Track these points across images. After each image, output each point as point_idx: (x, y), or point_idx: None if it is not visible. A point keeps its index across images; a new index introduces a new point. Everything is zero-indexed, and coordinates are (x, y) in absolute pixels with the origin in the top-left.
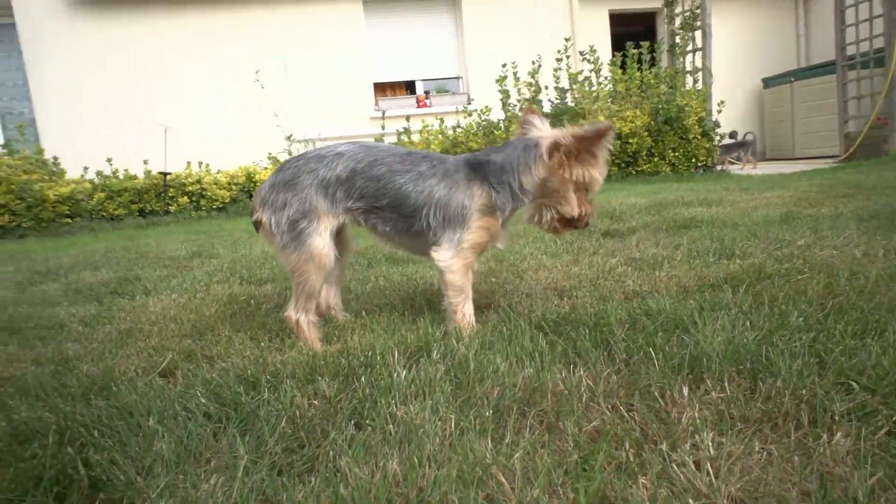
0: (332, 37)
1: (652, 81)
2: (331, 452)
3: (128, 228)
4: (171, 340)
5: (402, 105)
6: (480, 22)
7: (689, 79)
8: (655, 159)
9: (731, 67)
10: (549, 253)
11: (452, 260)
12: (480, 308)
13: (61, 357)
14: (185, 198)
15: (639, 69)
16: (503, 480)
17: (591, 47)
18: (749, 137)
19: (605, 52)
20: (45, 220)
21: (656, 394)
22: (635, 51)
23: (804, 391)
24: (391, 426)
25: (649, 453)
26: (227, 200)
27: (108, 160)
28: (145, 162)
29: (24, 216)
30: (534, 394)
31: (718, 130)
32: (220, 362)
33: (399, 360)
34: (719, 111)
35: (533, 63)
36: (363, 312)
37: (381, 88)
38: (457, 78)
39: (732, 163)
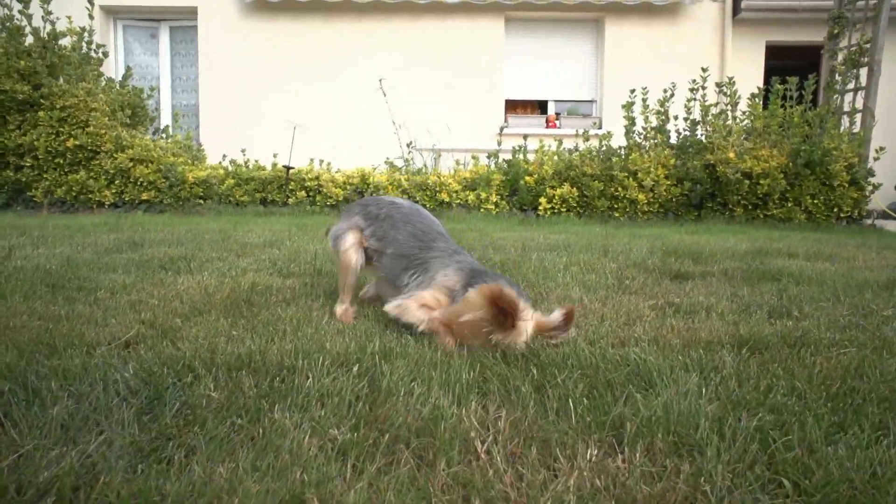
0: (469, 50)
1: (796, 119)
2: (194, 445)
3: (248, 214)
4: (163, 316)
5: (531, 124)
6: (622, 47)
7: (846, 119)
8: (789, 204)
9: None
10: (588, 286)
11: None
12: None
13: (57, 316)
14: (303, 192)
15: (782, 106)
16: None
17: (730, 79)
18: None
19: (752, 85)
20: (182, 198)
21: (557, 451)
22: (780, 87)
23: (722, 480)
24: (260, 430)
25: None
26: (340, 198)
27: (243, 151)
28: (274, 155)
29: (167, 193)
30: (429, 426)
31: (872, 179)
32: (182, 343)
33: (321, 368)
34: (876, 158)
35: (665, 91)
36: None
37: (513, 106)
38: (590, 101)
39: (891, 216)
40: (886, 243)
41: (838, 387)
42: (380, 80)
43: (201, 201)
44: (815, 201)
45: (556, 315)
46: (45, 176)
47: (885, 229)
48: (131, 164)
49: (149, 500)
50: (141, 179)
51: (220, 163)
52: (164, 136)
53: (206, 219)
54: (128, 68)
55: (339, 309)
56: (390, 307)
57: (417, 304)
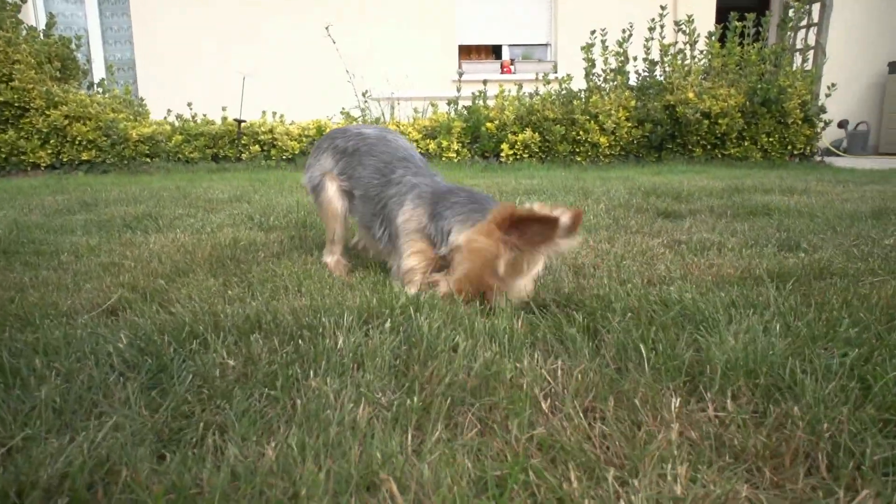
0: None
1: (753, 58)
2: (223, 422)
3: (200, 171)
4: (143, 279)
5: (486, 69)
6: None
7: (798, 57)
8: (746, 143)
9: (851, 48)
10: (587, 226)
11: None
12: None
13: (20, 284)
14: (257, 146)
15: (740, 44)
16: (395, 493)
17: (689, 17)
18: (861, 128)
19: (708, 24)
20: (127, 157)
21: (636, 402)
22: (739, 24)
23: (828, 425)
24: (301, 400)
25: (595, 481)
26: (296, 152)
27: (189, 104)
28: (223, 109)
29: (109, 153)
30: (487, 383)
31: (824, 116)
32: (175, 306)
33: (347, 325)
34: (828, 95)
35: (623, 31)
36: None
37: (466, 51)
38: (545, 45)
39: (834, 153)
40: (843, 178)
41: None
42: (326, 28)
43: (148, 160)
44: (771, 139)
45: (564, 218)
46: None
47: (834, 165)
48: (66, 122)
49: (187, 496)
50: (79, 138)
51: (165, 118)
52: (100, 90)
53: (156, 177)
54: (50, 16)
55: (330, 260)
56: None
57: (413, 280)
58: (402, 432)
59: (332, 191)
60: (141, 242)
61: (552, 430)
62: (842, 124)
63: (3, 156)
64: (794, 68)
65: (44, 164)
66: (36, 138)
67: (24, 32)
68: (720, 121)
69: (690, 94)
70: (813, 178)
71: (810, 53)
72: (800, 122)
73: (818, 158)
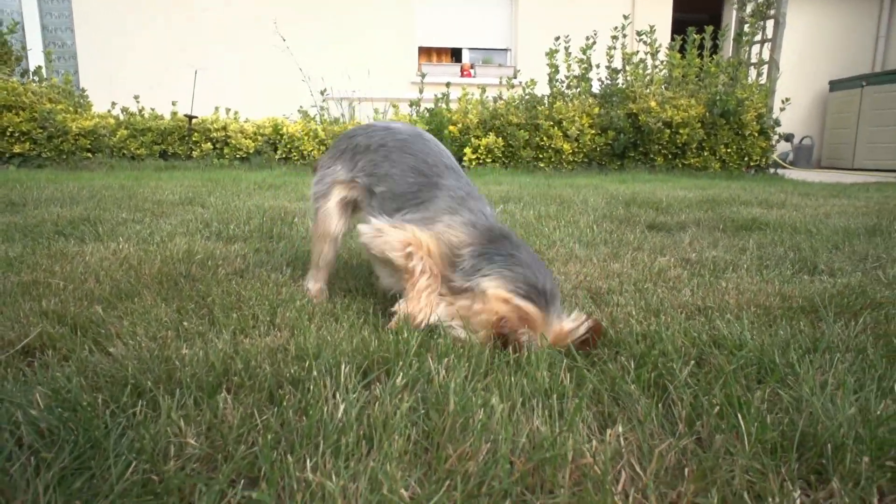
0: None
1: (712, 69)
2: None
3: (147, 169)
4: (74, 304)
5: (445, 72)
6: None
7: (753, 71)
8: (706, 153)
9: (797, 65)
10: (584, 242)
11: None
12: None
13: None
14: (209, 144)
15: (699, 55)
16: None
17: (651, 27)
18: (806, 142)
19: (664, 35)
20: (66, 151)
21: (745, 495)
22: (697, 36)
23: None
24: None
25: None
26: (251, 151)
27: (136, 97)
28: (173, 103)
29: (45, 146)
30: (542, 468)
31: (778, 130)
32: (114, 345)
33: (347, 380)
34: (782, 109)
35: (587, 39)
36: (342, 292)
37: (427, 53)
38: (505, 50)
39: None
40: (804, 190)
41: None
42: (274, 22)
43: (89, 155)
44: (729, 150)
45: (581, 329)
46: None
47: (787, 177)
48: None
49: None
50: (11, 129)
51: (109, 111)
52: (35, 78)
53: (99, 174)
54: None
55: (313, 287)
56: (365, 228)
57: (402, 239)
58: None
59: (333, 203)
60: (75, 254)
61: None
62: (787, 138)
63: None
64: (750, 82)
65: None
66: None
67: None
68: (681, 130)
69: (653, 104)
70: (777, 190)
71: (764, 68)
72: (756, 135)
73: (772, 171)
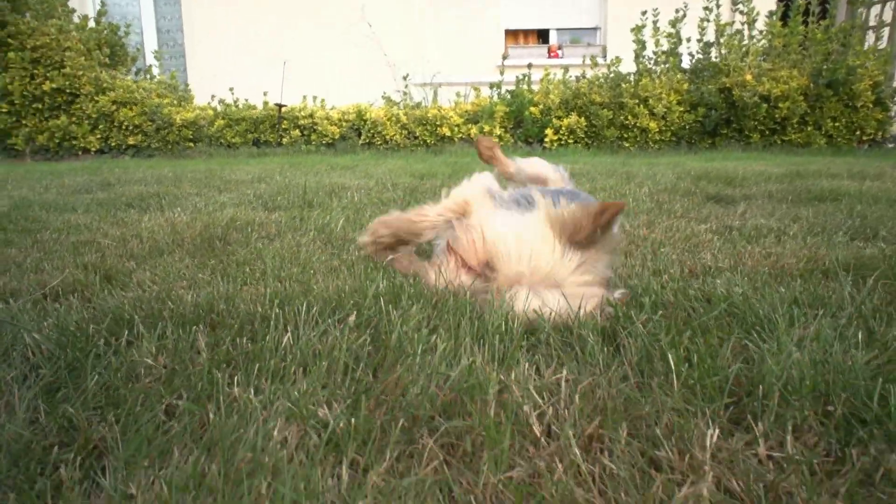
0: None
1: (819, 37)
2: (108, 444)
3: (240, 156)
4: (113, 259)
5: (532, 54)
6: None
7: (871, 35)
8: (809, 128)
9: None
10: (625, 211)
11: None
12: None
13: None
14: (297, 131)
15: (804, 22)
16: None
17: None
18: None
19: (766, 3)
20: (171, 142)
21: (658, 432)
22: (802, 1)
23: None
24: (215, 415)
25: None
26: (336, 137)
27: (231, 90)
28: (265, 94)
29: (154, 137)
30: (464, 398)
31: None
32: (129, 290)
33: (308, 318)
34: None
35: (677, 12)
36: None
37: (513, 35)
38: (594, 29)
39: None
40: None
41: None
42: (361, 9)
43: (191, 144)
44: (837, 124)
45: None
46: (24, 122)
47: None
48: (114, 108)
49: None
50: (126, 123)
51: (208, 103)
52: (147, 76)
53: (197, 161)
54: (102, 3)
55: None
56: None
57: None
58: (337, 460)
59: None
60: (134, 221)
61: (537, 470)
62: None
63: (57, 140)
64: (866, 47)
65: (93, 149)
66: (86, 123)
67: (77, 20)
68: (780, 104)
69: (748, 77)
70: (889, 164)
71: (885, 30)
72: (871, 106)
73: (891, 145)
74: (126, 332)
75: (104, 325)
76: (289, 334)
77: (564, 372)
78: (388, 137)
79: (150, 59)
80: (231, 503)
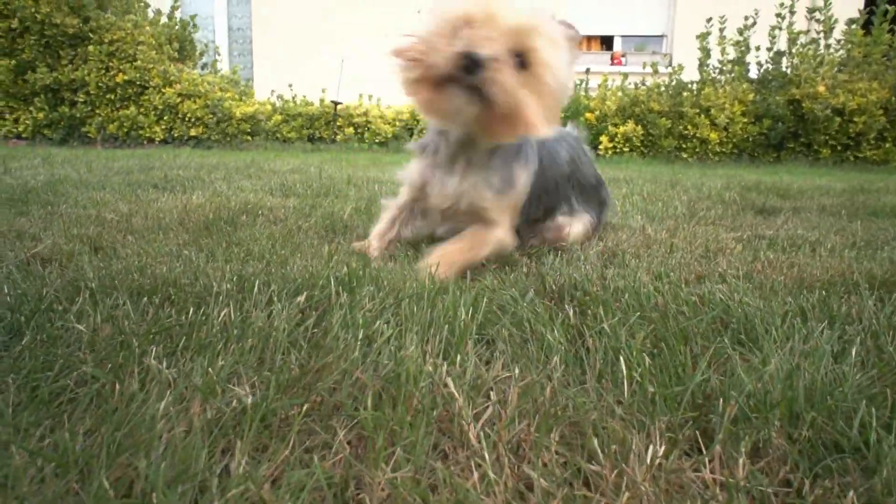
0: None
1: None
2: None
3: (294, 151)
4: (112, 233)
5: (594, 61)
6: None
7: None
8: (888, 145)
9: None
10: (651, 215)
11: None
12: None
13: None
14: (351, 128)
15: (890, 31)
16: None
17: (827, 1)
18: None
19: (848, 10)
20: (230, 134)
21: (595, 442)
22: (891, 7)
23: None
24: (120, 385)
25: None
26: (389, 136)
27: (290, 86)
28: (322, 91)
29: (214, 129)
30: (392, 388)
31: None
32: (111, 262)
33: (257, 297)
34: None
35: (746, 19)
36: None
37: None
38: (660, 36)
39: None
40: None
41: None
42: (418, 12)
43: (249, 138)
44: None
45: None
46: (97, 112)
47: None
48: (179, 100)
49: None
50: (189, 115)
51: (268, 98)
52: (212, 70)
53: (251, 153)
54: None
55: None
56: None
57: None
58: (229, 445)
59: None
60: (151, 200)
61: (442, 475)
62: None
63: (125, 130)
64: None
65: (158, 139)
66: (153, 114)
67: (151, 15)
68: (856, 118)
69: (821, 88)
70: None
71: None
72: None
73: None
74: (80, 300)
75: (62, 292)
76: (229, 309)
77: (517, 370)
78: None
79: (217, 55)
80: (103, 477)
